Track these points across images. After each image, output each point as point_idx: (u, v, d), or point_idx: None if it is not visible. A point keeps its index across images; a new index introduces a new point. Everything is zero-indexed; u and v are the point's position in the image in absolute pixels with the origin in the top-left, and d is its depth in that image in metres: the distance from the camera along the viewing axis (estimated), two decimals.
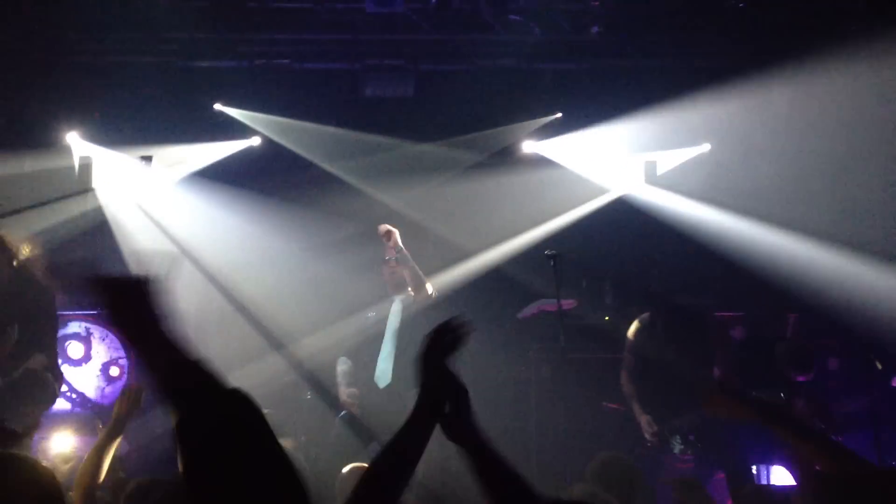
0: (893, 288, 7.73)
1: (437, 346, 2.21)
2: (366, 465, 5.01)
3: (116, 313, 1.80)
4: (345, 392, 6.26)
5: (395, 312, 6.38)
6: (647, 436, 6.41)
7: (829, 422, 6.96)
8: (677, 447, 6.38)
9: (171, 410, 1.66)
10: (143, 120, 8.35)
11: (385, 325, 6.30)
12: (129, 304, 1.79)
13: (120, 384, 7.99)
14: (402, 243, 6.35)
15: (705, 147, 8.73)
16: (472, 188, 8.66)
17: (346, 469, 4.83)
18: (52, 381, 5.40)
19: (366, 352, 6.29)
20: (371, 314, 6.41)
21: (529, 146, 8.85)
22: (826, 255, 7.98)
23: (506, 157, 8.82)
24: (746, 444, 6.65)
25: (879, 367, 6.98)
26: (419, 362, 2.20)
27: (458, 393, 2.20)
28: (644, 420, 6.43)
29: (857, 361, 7.31)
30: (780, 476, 7.22)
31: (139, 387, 4.00)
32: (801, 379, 6.94)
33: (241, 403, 1.67)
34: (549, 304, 7.83)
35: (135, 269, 1.79)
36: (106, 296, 1.79)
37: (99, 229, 8.28)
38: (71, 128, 8.30)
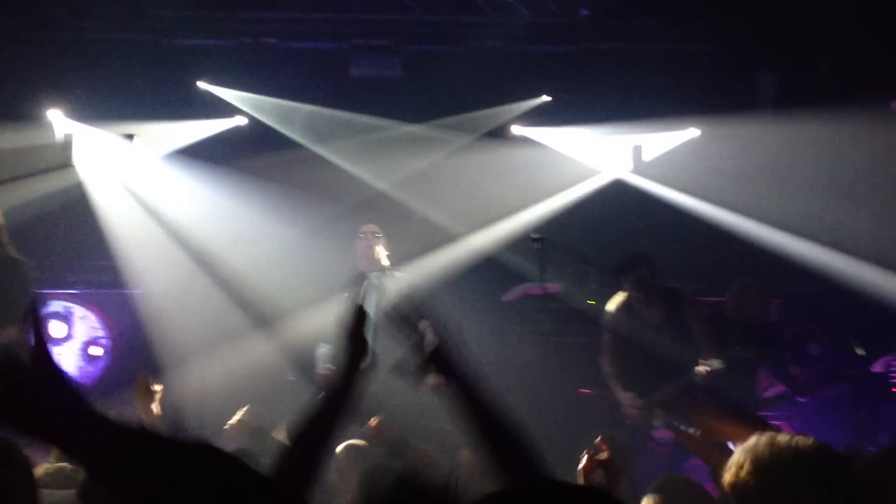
0: (876, 275, 7.78)
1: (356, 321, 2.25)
2: (360, 441, 5.06)
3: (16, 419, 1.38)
4: (322, 367, 6.25)
5: (369, 290, 6.37)
6: (631, 412, 6.42)
7: (789, 382, 7.01)
8: (661, 420, 6.38)
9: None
10: (126, 97, 8.28)
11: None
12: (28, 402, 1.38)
13: (101, 363, 7.94)
14: (386, 226, 6.39)
15: (694, 132, 8.72)
16: (458, 170, 8.62)
17: (339, 448, 4.84)
18: (22, 357, 5.26)
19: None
20: (346, 294, 6.38)
21: (518, 130, 8.82)
22: (810, 241, 8.02)
23: (493, 139, 8.78)
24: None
25: (860, 352, 7.02)
26: (345, 335, 2.23)
27: (444, 328, 2.24)
28: (626, 398, 6.45)
29: (839, 347, 7.35)
30: None
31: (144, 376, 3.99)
32: (759, 314, 6.83)
33: (211, 462, 1.40)
34: (533, 288, 7.83)
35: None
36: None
37: (78, 205, 8.22)
38: (53, 104, 8.22)
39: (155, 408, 3.95)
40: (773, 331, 7.04)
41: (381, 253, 6.43)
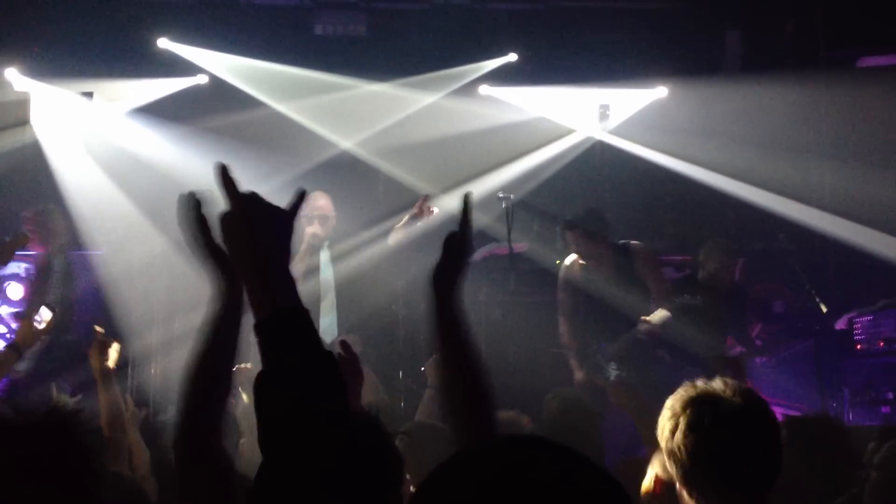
0: (840, 232, 7.85)
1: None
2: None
3: (262, 239, 1.69)
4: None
5: (325, 263, 6.33)
6: (578, 375, 6.45)
7: (748, 344, 7.12)
8: (613, 373, 6.40)
9: (263, 357, 1.57)
10: (84, 54, 8.10)
11: (314, 275, 6.27)
12: (275, 233, 1.71)
13: None
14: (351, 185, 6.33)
15: (661, 91, 8.67)
16: (424, 130, 8.53)
17: None
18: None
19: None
20: (299, 265, 6.33)
21: (485, 90, 8.72)
22: (775, 199, 8.06)
23: (460, 98, 8.69)
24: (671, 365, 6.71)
25: (824, 310, 7.08)
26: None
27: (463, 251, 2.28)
28: (573, 363, 6.51)
29: (803, 304, 7.41)
30: None
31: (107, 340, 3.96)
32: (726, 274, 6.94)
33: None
34: (500, 248, 7.80)
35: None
36: (259, 216, 1.72)
37: (35, 164, 8.06)
38: (10, 62, 8.02)
39: (111, 363, 3.94)
40: (738, 292, 7.10)
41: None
